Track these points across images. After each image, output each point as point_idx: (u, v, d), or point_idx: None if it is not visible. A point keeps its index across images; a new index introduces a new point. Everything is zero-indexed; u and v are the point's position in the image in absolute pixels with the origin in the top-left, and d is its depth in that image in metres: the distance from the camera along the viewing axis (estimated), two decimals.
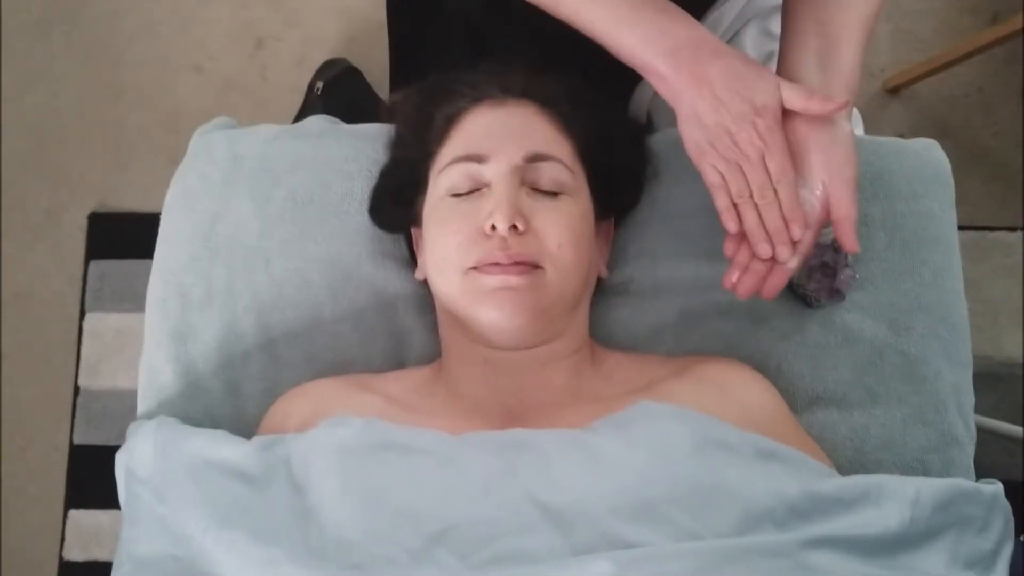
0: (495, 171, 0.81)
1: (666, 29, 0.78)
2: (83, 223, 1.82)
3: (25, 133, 1.87)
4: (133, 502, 0.82)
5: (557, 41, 0.85)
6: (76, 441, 1.72)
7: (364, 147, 1.00)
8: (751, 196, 0.78)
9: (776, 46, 1.03)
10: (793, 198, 0.77)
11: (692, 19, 0.80)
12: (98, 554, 1.67)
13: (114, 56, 1.90)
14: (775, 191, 0.77)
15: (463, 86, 0.88)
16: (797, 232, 0.78)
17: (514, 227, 0.77)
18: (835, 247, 0.92)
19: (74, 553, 1.68)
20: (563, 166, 0.83)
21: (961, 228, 1.00)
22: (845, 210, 0.79)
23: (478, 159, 0.82)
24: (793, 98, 0.76)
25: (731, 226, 0.80)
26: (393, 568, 0.66)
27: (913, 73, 1.76)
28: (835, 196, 0.79)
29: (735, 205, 0.79)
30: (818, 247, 0.92)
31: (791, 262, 0.79)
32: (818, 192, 0.79)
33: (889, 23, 1.86)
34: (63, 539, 1.69)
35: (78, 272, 1.80)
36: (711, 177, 0.79)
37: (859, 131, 1.10)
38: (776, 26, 1.05)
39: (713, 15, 1.04)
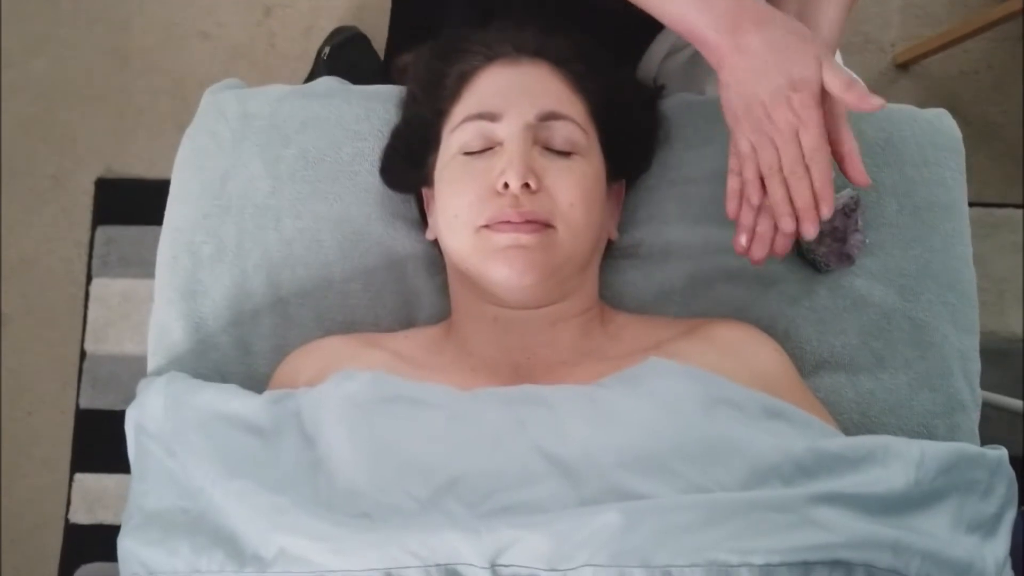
0: (508, 129, 0.81)
1: None
2: (90, 188, 1.82)
3: (32, 97, 1.87)
4: (143, 456, 0.82)
5: (561, 4, 0.85)
6: (82, 405, 1.73)
7: (375, 107, 0.99)
8: (780, 170, 0.77)
9: None
10: (826, 176, 0.76)
11: None
12: (103, 517, 1.68)
13: (122, 21, 1.89)
14: (807, 167, 0.76)
15: (476, 44, 0.87)
16: (826, 212, 0.77)
17: (526, 185, 0.77)
18: (846, 211, 0.92)
19: (79, 516, 1.69)
20: (576, 126, 0.83)
21: (968, 204, 0.99)
22: (848, 144, 0.78)
23: (491, 117, 0.82)
24: (833, 83, 0.74)
25: (754, 199, 0.79)
26: (402, 517, 0.67)
27: (923, 48, 1.75)
28: (834, 133, 0.78)
29: (762, 178, 0.78)
30: None
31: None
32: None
33: None
34: (69, 502, 1.70)
35: (85, 237, 1.80)
36: (742, 146, 0.79)
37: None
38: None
39: None
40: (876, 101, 0.73)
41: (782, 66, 0.74)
